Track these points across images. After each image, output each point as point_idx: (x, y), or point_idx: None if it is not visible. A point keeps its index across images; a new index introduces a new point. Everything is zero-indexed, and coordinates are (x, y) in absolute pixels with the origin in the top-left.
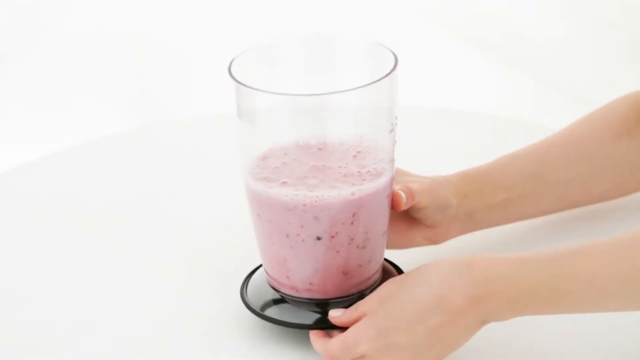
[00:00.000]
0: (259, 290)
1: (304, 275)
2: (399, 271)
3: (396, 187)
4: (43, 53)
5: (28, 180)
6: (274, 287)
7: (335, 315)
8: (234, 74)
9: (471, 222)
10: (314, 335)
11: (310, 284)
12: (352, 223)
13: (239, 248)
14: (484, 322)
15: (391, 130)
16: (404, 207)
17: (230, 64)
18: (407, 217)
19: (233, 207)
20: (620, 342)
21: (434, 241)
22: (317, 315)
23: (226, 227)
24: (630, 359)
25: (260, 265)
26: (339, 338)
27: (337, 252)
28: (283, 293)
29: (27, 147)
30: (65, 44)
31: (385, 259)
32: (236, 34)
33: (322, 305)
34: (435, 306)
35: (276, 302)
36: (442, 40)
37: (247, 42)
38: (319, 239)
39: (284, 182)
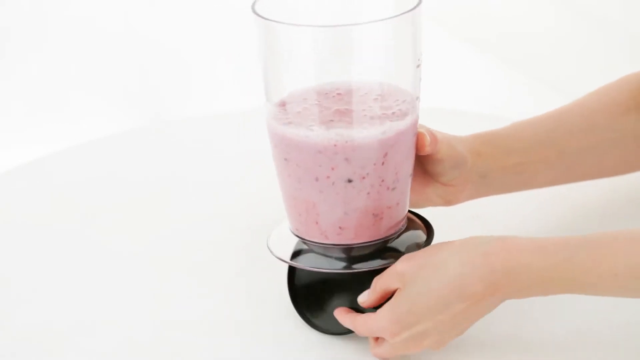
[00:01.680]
0: (284, 243)
1: (333, 219)
2: (423, 221)
3: (421, 130)
4: (43, 53)
5: (28, 180)
6: (301, 236)
7: (362, 300)
8: (258, 11)
9: (484, 184)
10: (339, 313)
11: (340, 227)
12: (383, 163)
13: (246, 243)
14: (504, 301)
15: (417, 66)
16: (427, 149)
17: (254, 3)
18: (423, 174)
19: (237, 204)
20: (621, 340)
21: (448, 201)
22: (344, 263)
23: (231, 222)
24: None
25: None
26: (364, 323)
27: (368, 193)
28: (310, 241)
29: (27, 147)
30: (65, 43)
31: (410, 210)
32: (235, 32)
33: (349, 251)
34: (456, 296)
35: (302, 252)
36: (440, 39)
37: (247, 41)
38: (349, 181)
39: (311, 126)
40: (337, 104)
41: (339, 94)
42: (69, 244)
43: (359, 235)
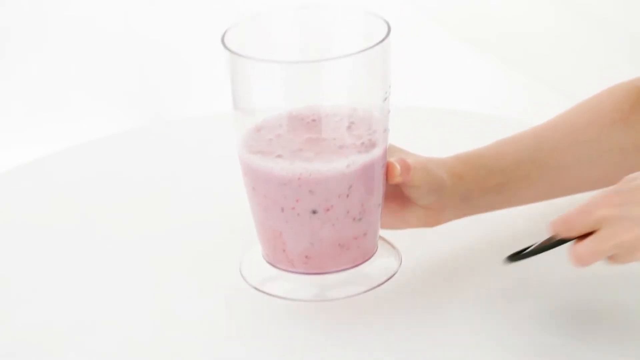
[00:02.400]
0: (256, 266)
1: (299, 249)
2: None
3: (392, 159)
4: (43, 53)
5: (28, 180)
6: (270, 262)
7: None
8: (227, 44)
9: (466, 205)
10: (551, 223)
11: (306, 257)
12: (347, 196)
13: (246, 243)
14: None
15: (385, 99)
16: (397, 179)
17: (224, 34)
18: (400, 197)
19: (237, 204)
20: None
21: (428, 223)
22: (314, 290)
23: (231, 222)
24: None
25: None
26: (579, 207)
27: (333, 225)
28: (279, 268)
29: (27, 147)
30: (65, 43)
31: (381, 236)
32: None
33: (318, 280)
34: None
35: (273, 277)
36: (440, 39)
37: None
38: (314, 212)
39: (279, 155)
40: (310, 131)
41: (313, 120)
42: (69, 244)
43: (326, 264)
